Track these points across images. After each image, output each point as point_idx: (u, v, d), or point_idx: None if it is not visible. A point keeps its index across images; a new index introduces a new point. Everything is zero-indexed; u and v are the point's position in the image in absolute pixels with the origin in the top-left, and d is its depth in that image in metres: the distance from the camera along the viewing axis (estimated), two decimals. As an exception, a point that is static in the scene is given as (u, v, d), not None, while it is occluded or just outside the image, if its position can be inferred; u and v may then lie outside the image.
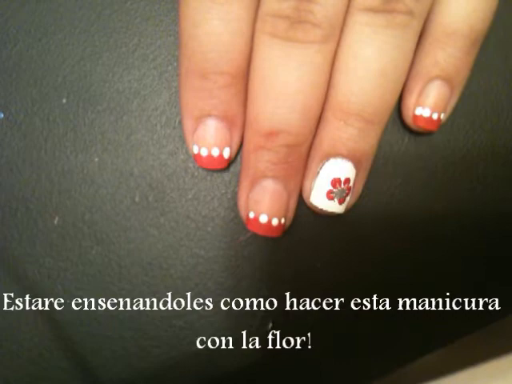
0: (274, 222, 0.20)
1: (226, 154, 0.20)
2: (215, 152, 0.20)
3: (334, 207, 0.20)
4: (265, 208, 0.19)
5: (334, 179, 0.19)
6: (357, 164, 0.20)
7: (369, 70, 0.18)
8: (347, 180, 0.20)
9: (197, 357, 0.22)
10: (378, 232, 0.22)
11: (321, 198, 0.20)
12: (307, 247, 0.22)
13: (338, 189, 0.19)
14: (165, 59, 0.21)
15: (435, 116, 0.20)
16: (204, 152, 0.20)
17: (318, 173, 0.20)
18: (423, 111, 0.20)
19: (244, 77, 0.19)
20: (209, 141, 0.19)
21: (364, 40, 0.18)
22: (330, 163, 0.19)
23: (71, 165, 0.21)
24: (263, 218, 0.20)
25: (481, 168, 0.22)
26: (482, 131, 0.22)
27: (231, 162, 0.21)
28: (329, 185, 0.20)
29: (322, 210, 0.20)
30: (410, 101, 0.20)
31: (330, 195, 0.20)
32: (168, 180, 0.22)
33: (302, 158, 0.20)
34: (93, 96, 0.21)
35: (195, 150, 0.20)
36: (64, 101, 0.21)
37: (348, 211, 0.21)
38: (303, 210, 0.22)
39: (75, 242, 0.21)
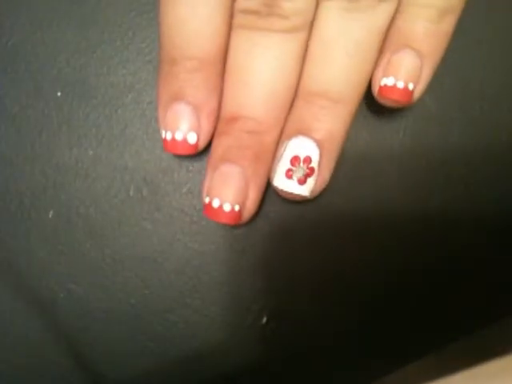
0: (226, 207, 0.19)
1: (192, 139, 0.19)
2: (178, 136, 0.19)
3: (294, 188, 0.19)
4: (218, 192, 0.19)
5: (293, 157, 0.19)
6: (320, 144, 0.19)
7: (332, 51, 0.18)
8: (307, 159, 0.19)
9: (190, 351, 0.22)
10: (375, 228, 0.22)
11: (280, 178, 0.19)
12: (303, 242, 0.22)
13: (297, 167, 0.19)
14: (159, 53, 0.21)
15: (401, 85, 0.19)
16: (168, 136, 0.19)
17: (281, 154, 0.19)
18: (387, 80, 0.19)
19: (214, 64, 0.19)
20: (173, 124, 0.19)
21: (328, 23, 0.18)
22: (291, 142, 0.19)
23: (65, 158, 0.21)
24: (215, 203, 0.19)
25: (477, 163, 0.22)
26: (479, 127, 0.22)
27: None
28: (288, 163, 0.19)
29: (282, 190, 0.20)
30: (376, 74, 0.19)
31: (288, 174, 0.19)
32: (162, 174, 0.22)
33: (264, 147, 0.19)
34: (87, 89, 0.21)
35: (162, 134, 0.19)
36: (59, 94, 0.21)
37: (344, 207, 0.21)
38: (299, 206, 0.21)
39: (69, 235, 0.21)
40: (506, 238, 0.22)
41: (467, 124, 0.22)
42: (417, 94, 0.19)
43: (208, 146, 0.20)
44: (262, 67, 0.18)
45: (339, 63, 0.18)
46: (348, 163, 0.21)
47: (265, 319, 0.22)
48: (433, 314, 0.23)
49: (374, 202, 0.22)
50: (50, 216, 0.21)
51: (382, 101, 0.20)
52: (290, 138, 0.19)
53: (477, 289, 0.22)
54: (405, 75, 0.19)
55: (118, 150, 0.21)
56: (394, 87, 0.19)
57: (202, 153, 0.20)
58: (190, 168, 0.22)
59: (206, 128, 0.19)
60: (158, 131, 0.22)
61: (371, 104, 0.21)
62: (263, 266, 0.22)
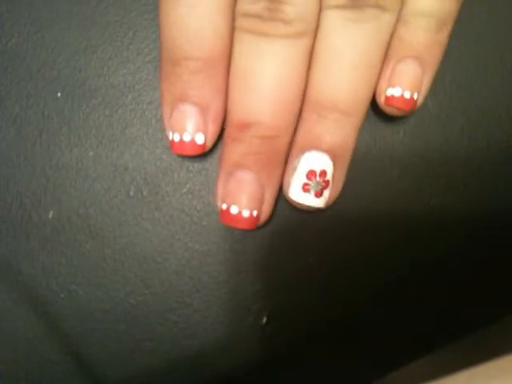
0: (245, 213, 0.19)
1: (199, 139, 0.19)
2: (186, 137, 0.19)
3: (311, 200, 0.20)
4: (235, 199, 0.19)
5: (309, 171, 0.19)
6: (333, 156, 0.19)
7: (339, 62, 0.18)
8: (323, 172, 0.19)
9: (190, 351, 0.22)
10: (375, 228, 0.22)
11: (297, 192, 0.20)
12: (303, 242, 0.22)
13: (314, 181, 0.19)
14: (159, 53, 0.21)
15: (407, 94, 0.19)
16: (176, 137, 0.19)
17: (296, 167, 0.20)
18: (394, 91, 0.20)
19: (217, 64, 0.19)
20: (180, 126, 0.19)
21: (334, 33, 0.18)
22: (305, 156, 0.19)
23: (66, 159, 0.21)
24: (234, 210, 0.19)
25: (476, 163, 0.22)
26: (478, 126, 0.22)
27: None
28: (304, 178, 0.19)
29: (299, 203, 0.20)
30: (381, 84, 0.20)
31: (305, 188, 0.19)
32: (163, 174, 0.22)
33: (277, 151, 0.19)
34: (87, 90, 0.21)
35: (169, 136, 0.20)
36: (59, 95, 0.21)
37: (344, 206, 0.21)
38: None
39: (70, 236, 0.21)
40: (506, 238, 0.22)
41: (467, 124, 0.22)
42: (419, 102, 0.20)
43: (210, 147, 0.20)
44: (266, 71, 0.18)
45: (345, 73, 0.19)
46: (349, 163, 0.21)
47: (265, 319, 0.22)
48: (433, 314, 0.23)
49: (375, 201, 0.22)
50: (50, 216, 0.21)
51: (387, 109, 0.20)
52: (303, 151, 0.19)
53: (477, 289, 0.22)
54: (410, 85, 0.19)
55: (118, 150, 0.21)
56: (401, 97, 0.19)
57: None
58: (190, 168, 0.22)
59: (213, 128, 0.19)
60: (159, 131, 0.22)
61: (371, 104, 0.21)
62: (263, 266, 0.22)
